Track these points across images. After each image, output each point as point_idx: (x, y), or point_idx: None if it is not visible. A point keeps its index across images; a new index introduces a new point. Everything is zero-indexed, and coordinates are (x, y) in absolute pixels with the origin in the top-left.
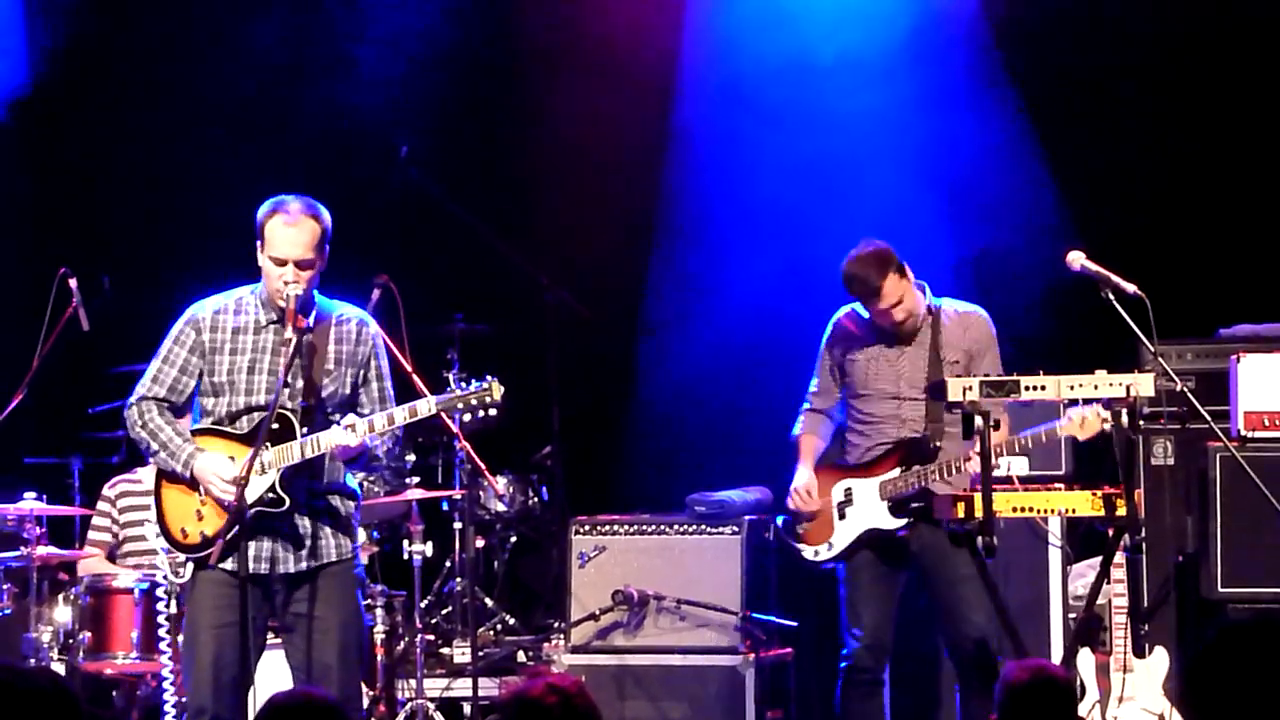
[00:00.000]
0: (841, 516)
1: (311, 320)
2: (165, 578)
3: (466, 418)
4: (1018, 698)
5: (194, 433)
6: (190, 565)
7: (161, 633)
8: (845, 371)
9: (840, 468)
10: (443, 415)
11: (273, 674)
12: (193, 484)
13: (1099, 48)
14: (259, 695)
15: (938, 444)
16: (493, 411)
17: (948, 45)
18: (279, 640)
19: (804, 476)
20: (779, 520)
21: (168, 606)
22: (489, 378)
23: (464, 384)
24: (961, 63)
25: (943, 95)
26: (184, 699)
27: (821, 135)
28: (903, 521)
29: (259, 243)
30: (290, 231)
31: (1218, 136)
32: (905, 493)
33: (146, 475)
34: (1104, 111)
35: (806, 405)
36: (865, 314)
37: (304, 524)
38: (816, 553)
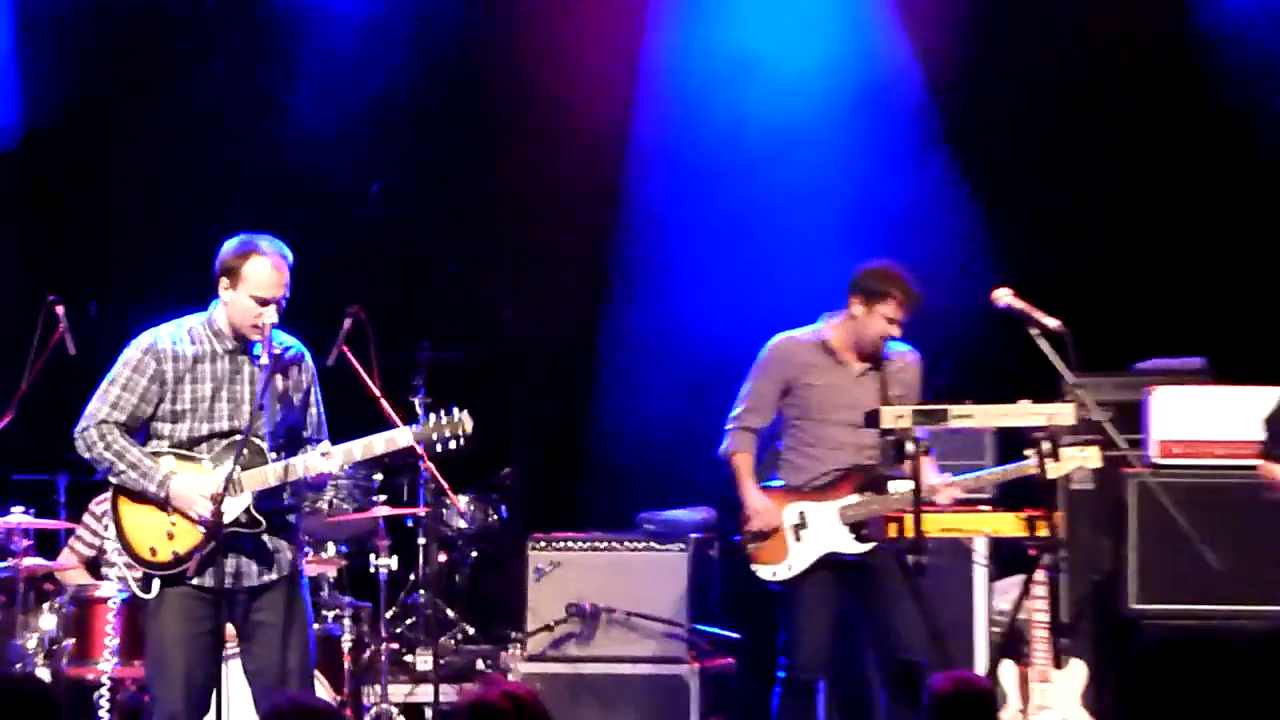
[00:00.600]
0: (797, 539)
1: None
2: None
3: (438, 448)
4: (943, 706)
5: (154, 455)
6: (157, 582)
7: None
8: (798, 395)
9: (787, 491)
10: (414, 442)
11: (232, 681)
12: (162, 504)
13: (1027, 105)
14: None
15: (892, 472)
16: (462, 442)
17: (886, 105)
18: (236, 650)
19: (760, 499)
20: (735, 539)
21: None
22: (458, 411)
23: (436, 415)
24: (899, 121)
25: (880, 150)
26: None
27: (767, 182)
28: (868, 547)
29: (227, 279)
30: (275, 274)
31: (1134, 189)
32: (866, 518)
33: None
34: (1031, 165)
35: (737, 423)
36: (814, 342)
37: (267, 540)
38: (775, 572)
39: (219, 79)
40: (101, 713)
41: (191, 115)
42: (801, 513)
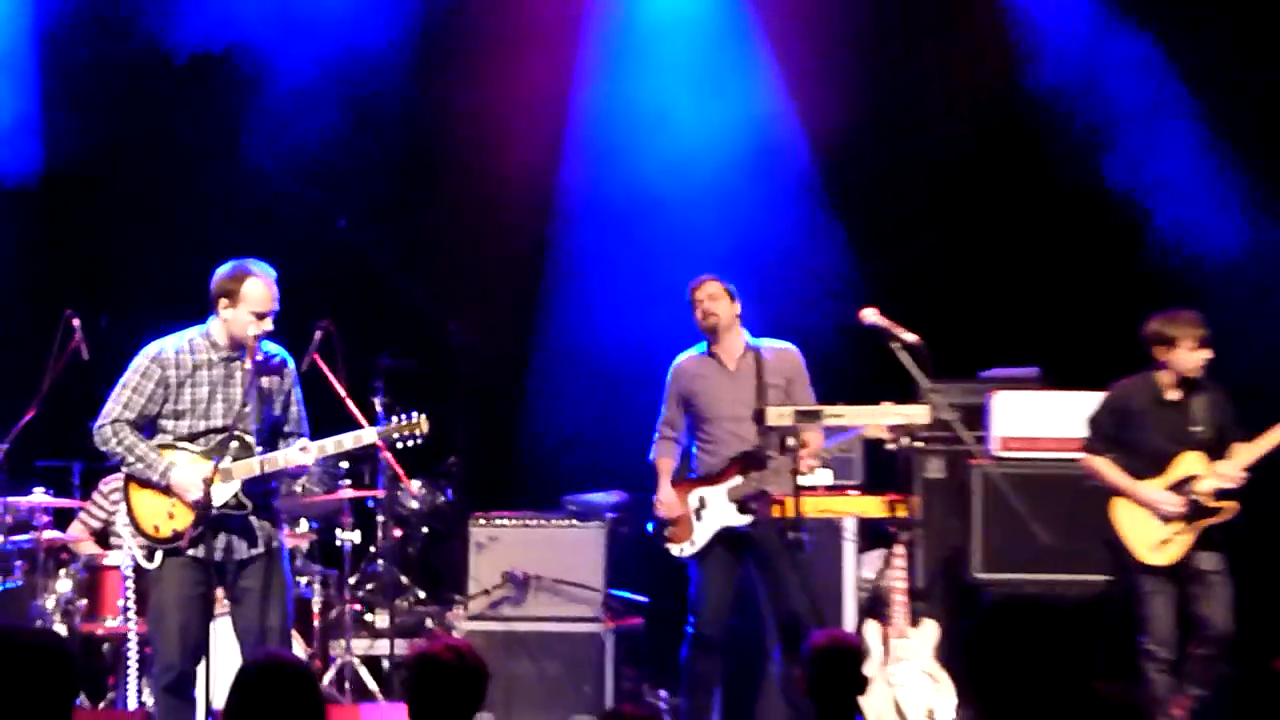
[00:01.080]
0: (699, 519)
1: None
2: (135, 563)
3: (399, 445)
4: (819, 658)
5: (159, 448)
6: (160, 554)
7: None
8: (692, 403)
9: (692, 481)
10: (378, 440)
11: (221, 637)
12: (166, 490)
13: (890, 156)
14: (210, 654)
15: (769, 453)
16: (419, 441)
17: (773, 154)
18: (226, 611)
19: (667, 493)
20: (649, 526)
21: (137, 584)
22: (417, 415)
23: (399, 417)
24: (784, 168)
25: (768, 191)
26: (151, 656)
27: (671, 219)
28: (749, 518)
29: (226, 299)
30: (268, 291)
31: (979, 225)
32: (748, 494)
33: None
34: (893, 205)
35: (658, 434)
36: (700, 356)
37: (254, 521)
38: (682, 549)
39: (204, 128)
40: (130, 658)
41: (182, 159)
42: (701, 497)
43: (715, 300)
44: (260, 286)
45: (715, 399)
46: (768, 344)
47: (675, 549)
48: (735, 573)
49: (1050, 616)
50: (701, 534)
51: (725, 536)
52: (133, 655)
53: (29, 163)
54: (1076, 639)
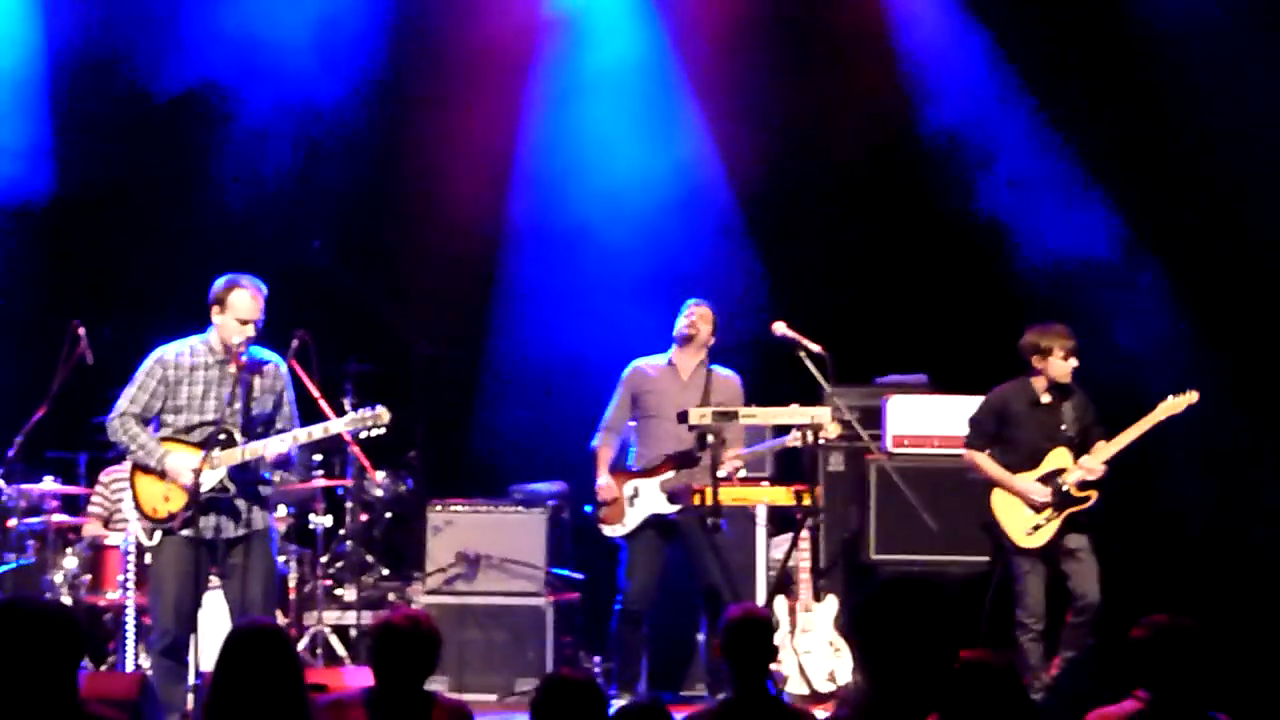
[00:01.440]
0: (631, 505)
1: (245, 360)
2: (138, 541)
3: (363, 435)
4: (734, 629)
5: (160, 439)
6: (159, 533)
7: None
8: (640, 402)
9: (629, 472)
10: (346, 430)
11: (214, 608)
12: (162, 475)
13: (801, 188)
14: (203, 624)
15: (699, 455)
16: (382, 430)
17: (696, 192)
18: (218, 585)
19: (605, 479)
20: (587, 509)
21: (138, 560)
22: (379, 407)
23: (363, 409)
24: (708, 205)
25: (691, 218)
26: (149, 624)
27: (607, 242)
28: (677, 508)
29: (218, 307)
30: (254, 301)
31: (875, 250)
32: (678, 488)
33: (128, 468)
34: (801, 231)
35: (602, 427)
36: (660, 364)
37: (241, 504)
38: (615, 531)
39: (194, 161)
40: (129, 627)
41: (175, 185)
42: (636, 487)
43: (704, 320)
44: (246, 297)
45: (663, 401)
46: (720, 370)
47: (608, 529)
48: (661, 555)
49: (934, 591)
50: (632, 518)
51: (654, 522)
52: (131, 624)
53: (41, 185)
54: (956, 610)
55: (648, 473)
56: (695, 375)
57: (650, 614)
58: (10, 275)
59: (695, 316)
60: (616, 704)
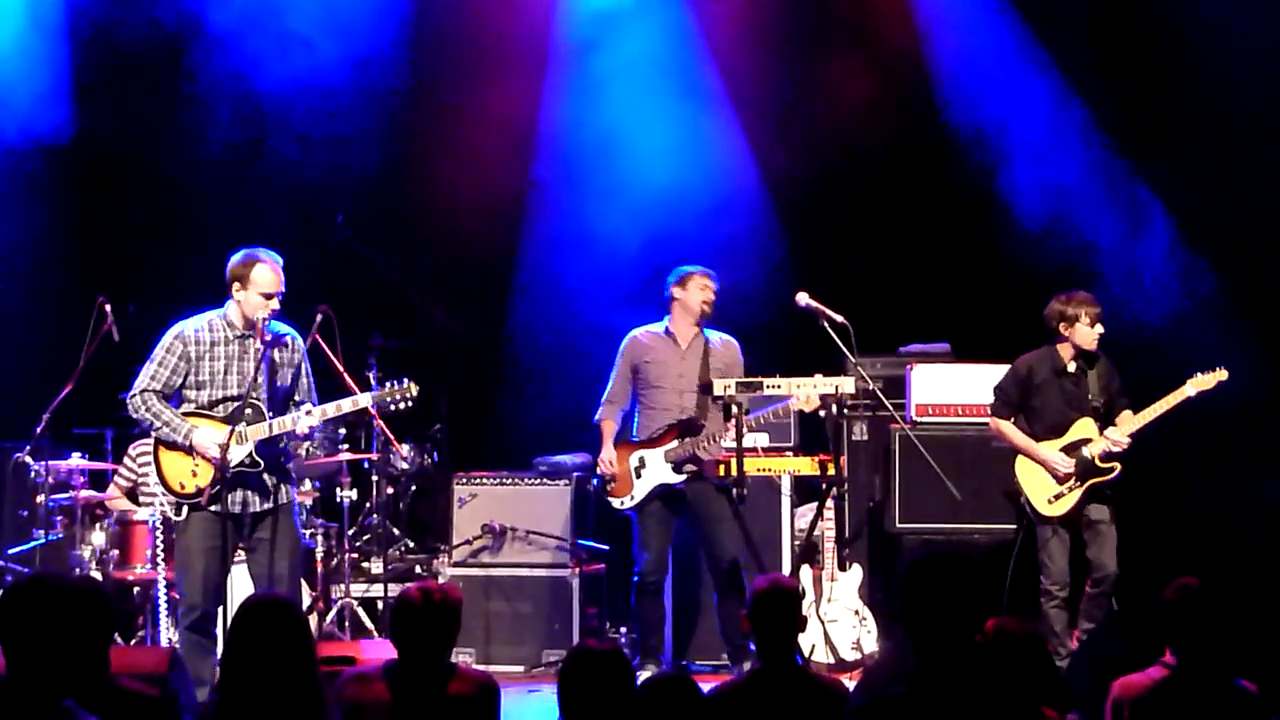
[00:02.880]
0: (638, 476)
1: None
2: (165, 516)
3: (391, 409)
4: (761, 600)
5: (184, 415)
6: (185, 508)
7: (158, 553)
8: (640, 372)
9: (634, 443)
10: (373, 404)
11: (240, 581)
12: (189, 451)
13: (826, 169)
14: (230, 596)
15: (703, 423)
16: (410, 404)
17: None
18: (244, 559)
19: (608, 452)
20: (594, 481)
21: (165, 535)
22: (407, 380)
23: (390, 383)
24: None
25: (719, 198)
26: (177, 599)
27: (635, 226)
28: (683, 477)
29: (239, 283)
30: (275, 275)
31: (899, 226)
32: (682, 457)
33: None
34: (828, 206)
35: (605, 400)
36: (657, 332)
37: (267, 478)
38: (622, 502)
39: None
40: (159, 601)
41: (204, 164)
42: (641, 458)
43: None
44: (268, 271)
45: (663, 370)
46: (715, 335)
47: (616, 502)
48: (671, 525)
49: (961, 561)
50: (640, 489)
51: (662, 493)
52: (161, 598)
53: (57, 117)
54: (982, 578)
55: (652, 442)
56: (694, 343)
57: (666, 585)
58: (34, 252)
59: (712, 295)
60: (641, 675)
